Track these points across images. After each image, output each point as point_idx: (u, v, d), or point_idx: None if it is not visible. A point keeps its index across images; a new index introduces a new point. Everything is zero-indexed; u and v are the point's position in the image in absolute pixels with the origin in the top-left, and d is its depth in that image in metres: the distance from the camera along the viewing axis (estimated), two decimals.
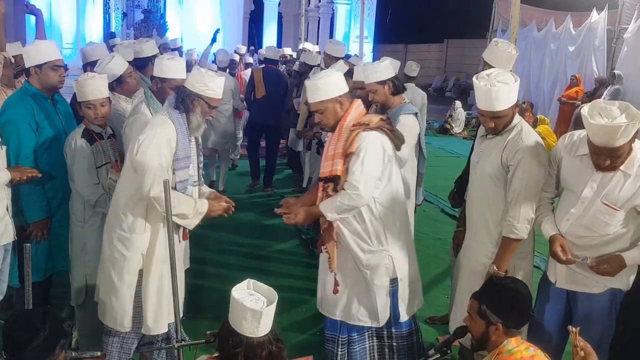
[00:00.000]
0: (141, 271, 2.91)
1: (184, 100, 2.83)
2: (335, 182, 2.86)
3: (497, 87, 2.68)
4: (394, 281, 3.01)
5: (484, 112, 2.79)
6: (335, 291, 3.02)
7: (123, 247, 2.88)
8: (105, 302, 2.97)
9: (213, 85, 2.84)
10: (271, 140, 7.61)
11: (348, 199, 2.80)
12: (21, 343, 1.85)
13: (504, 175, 2.83)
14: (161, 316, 2.94)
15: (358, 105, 2.94)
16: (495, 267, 2.84)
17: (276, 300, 2.05)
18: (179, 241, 3.02)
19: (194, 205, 2.88)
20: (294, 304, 4.30)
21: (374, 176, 2.83)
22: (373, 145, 2.82)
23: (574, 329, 2.20)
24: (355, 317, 3.04)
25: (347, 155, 2.83)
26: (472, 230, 3.09)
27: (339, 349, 3.10)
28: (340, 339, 3.10)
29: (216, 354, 2.13)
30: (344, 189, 2.81)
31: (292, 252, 5.53)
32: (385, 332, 3.11)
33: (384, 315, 3.02)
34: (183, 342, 2.61)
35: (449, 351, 2.45)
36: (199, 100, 2.84)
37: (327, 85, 2.87)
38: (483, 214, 2.98)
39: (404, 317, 3.06)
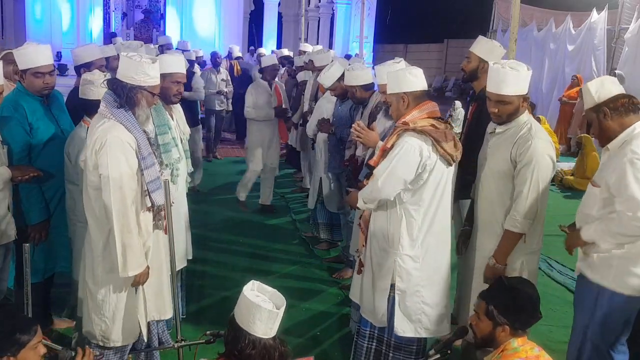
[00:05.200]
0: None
1: (128, 97, 2.65)
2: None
3: (506, 70, 2.77)
4: (392, 287, 2.93)
5: (490, 95, 2.86)
6: (359, 271, 3.16)
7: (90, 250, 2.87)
8: None
9: (154, 72, 2.67)
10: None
11: (369, 190, 2.85)
12: None
13: (512, 171, 2.82)
14: (121, 329, 2.86)
15: (429, 106, 2.88)
16: (494, 260, 2.84)
17: (285, 302, 2.06)
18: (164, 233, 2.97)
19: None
20: (293, 304, 4.27)
21: (397, 176, 2.76)
22: (410, 147, 2.74)
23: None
24: (365, 309, 3.08)
25: (385, 150, 2.85)
26: (482, 228, 3.05)
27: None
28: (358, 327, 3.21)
29: (221, 357, 2.11)
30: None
31: (292, 252, 5.51)
32: (385, 338, 3.06)
33: (382, 319, 2.98)
34: (183, 342, 2.60)
35: (449, 351, 2.45)
36: (142, 92, 2.68)
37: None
38: (493, 212, 2.95)
39: (399, 331, 2.95)
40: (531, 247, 2.90)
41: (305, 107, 6.48)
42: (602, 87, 2.66)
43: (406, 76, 2.85)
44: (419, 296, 2.91)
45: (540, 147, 2.76)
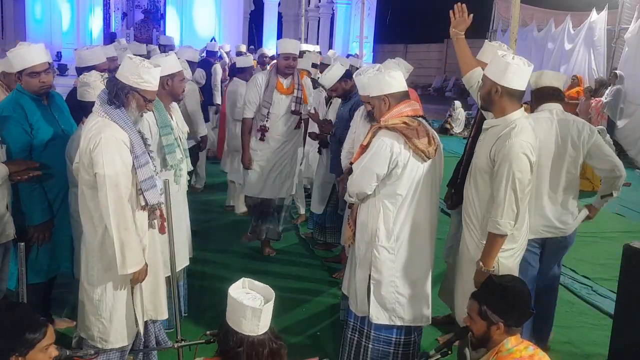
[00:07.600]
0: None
1: (117, 94, 2.65)
2: None
3: (497, 53, 2.86)
4: (370, 277, 3.06)
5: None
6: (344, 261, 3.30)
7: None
8: None
9: (149, 77, 2.67)
10: None
11: (349, 184, 3.06)
12: None
13: (491, 169, 2.79)
14: (119, 330, 2.85)
15: (406, 105, 3.03)
16: (481, 264, 2.80)
17: (274, 297, 2.04)
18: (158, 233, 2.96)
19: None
20: (293, 304, 4.29)
21: (371, 171, 2.92)
22: (382, 144, 2.90)
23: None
24: (350, 299, 3.21)
25: (363, 148, 3.04)
26: (468, 225, 3.03)
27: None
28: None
29: (216, 356, 2.12)
30: None
31: (292, 252, 5.52)
32: (365, 330, 3.16)
33: (362, 308, 3.10)
34: (183, 342, 2.60)
35: (449, 352, 2.45)
36: (133, 94, 2.68)
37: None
38: (473, 207, 2.95)
39: (374, 318, 3.06)
40: (504, 245, 2.83)
41: None
42: (538, 78, 3.47)
43: (386, 79, 3.03)
44: (394, 286, 3.05)
45: (517, 146, 2.68)
